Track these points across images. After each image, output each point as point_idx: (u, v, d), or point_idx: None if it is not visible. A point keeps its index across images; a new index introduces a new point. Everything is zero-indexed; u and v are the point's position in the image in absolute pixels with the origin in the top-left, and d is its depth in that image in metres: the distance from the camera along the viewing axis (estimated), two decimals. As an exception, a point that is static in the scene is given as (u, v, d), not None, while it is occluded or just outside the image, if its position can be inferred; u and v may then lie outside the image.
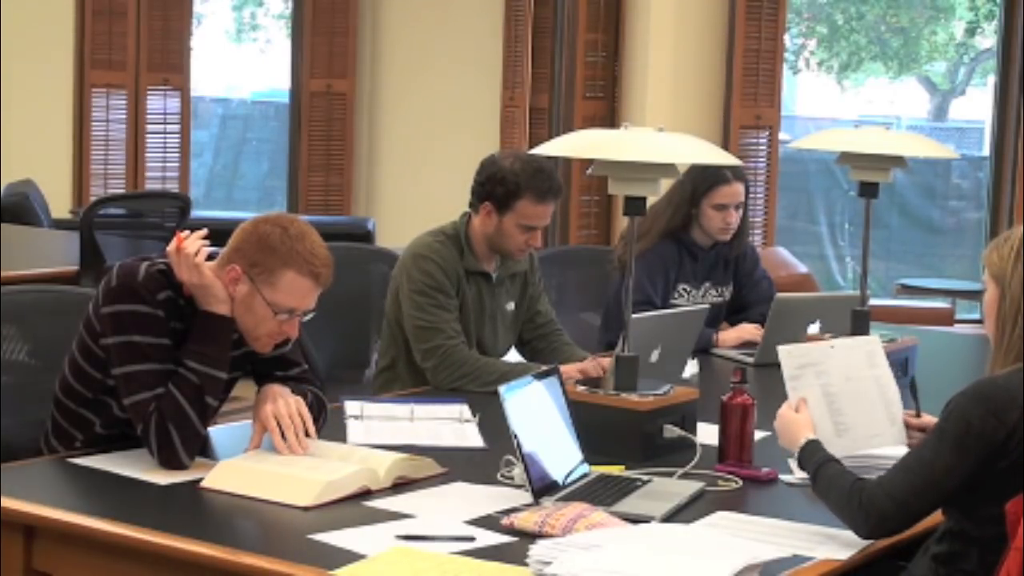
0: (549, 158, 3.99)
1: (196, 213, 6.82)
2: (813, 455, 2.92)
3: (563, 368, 3.98)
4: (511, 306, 4.31)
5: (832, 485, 2.84)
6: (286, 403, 3.21)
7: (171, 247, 3.17)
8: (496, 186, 4.11)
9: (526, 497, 2.94)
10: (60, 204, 8.28)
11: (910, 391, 3.20)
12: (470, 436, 3.52)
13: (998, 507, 2.58)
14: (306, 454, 3.13)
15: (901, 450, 2.99)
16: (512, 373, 3.96)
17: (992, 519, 2.64)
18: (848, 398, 3.12)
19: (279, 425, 3.17)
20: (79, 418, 3.25)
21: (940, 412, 2.79)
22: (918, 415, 3.17)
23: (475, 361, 4.05)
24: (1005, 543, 2.54)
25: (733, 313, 5.02)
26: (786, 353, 3.13)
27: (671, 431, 3.41)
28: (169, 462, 3.09)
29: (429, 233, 4.21)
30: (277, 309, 3.16)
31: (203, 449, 3.19)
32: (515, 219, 4.11)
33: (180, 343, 3.17)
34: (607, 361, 3.77)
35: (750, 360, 4.60)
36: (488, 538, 2.72)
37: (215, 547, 2.62)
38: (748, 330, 4.80)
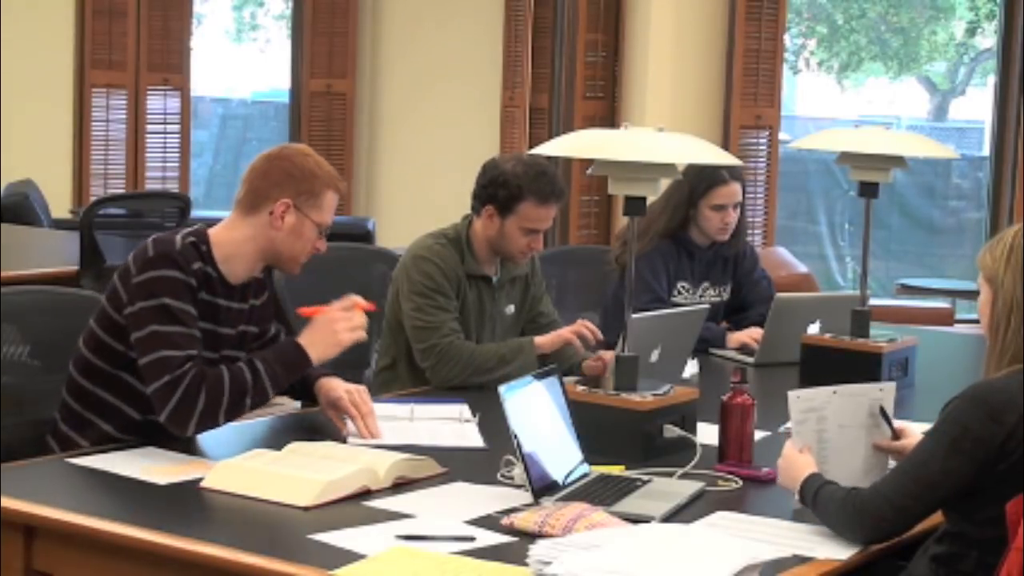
0: (549, 158, 3.99)
1: (196, 213, 6.82)
2: (813, 484, 2.88)
3: (560, 333, 4.08)
4: (511, 309, 4.31)
5: (829, 500, 2.81)
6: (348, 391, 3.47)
7: (345, 305, 3.37)
8: (498, 189, 4.11)
9: (526, 497, 2.94)
10: (60, 204, 8.28)
11: (881, 415, 3.17)
12: (470, 436, 3.52)
13: (998, 510, 2.57)
14: (305, 454, 3.14)
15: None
16: (509, 353, 4.03)
17: (992, 521, 2.63)
18: (836, 446, 3.10)
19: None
20: (96, 400, 3.28)
21: (938, 414, 2.79)
22: (895, 438, 3.13)
23: (470, 352, 4.06)
24: (1004, 545, 2.54)
25: (733, 313, 5.02)
26: (795, 398, 3.10)
27: (671, 431, 3.41)
28: (175, 421, 3.15)
29: (430, 235, 4.21)
30: (322, 228, 3.37)
31: (203, 449, 3.20)
32: (517, 222, 4.11)
33: (204, 315, 3.26)
34: (609, 355, 3.78)
35: (750, 360, 4.61)
36: (488, 538, 2.72)
37: (215, 547, 2.62)
38: (759, 333, 4.75)
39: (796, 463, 2.98)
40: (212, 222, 3.40)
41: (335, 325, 3.35)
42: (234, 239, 3.33)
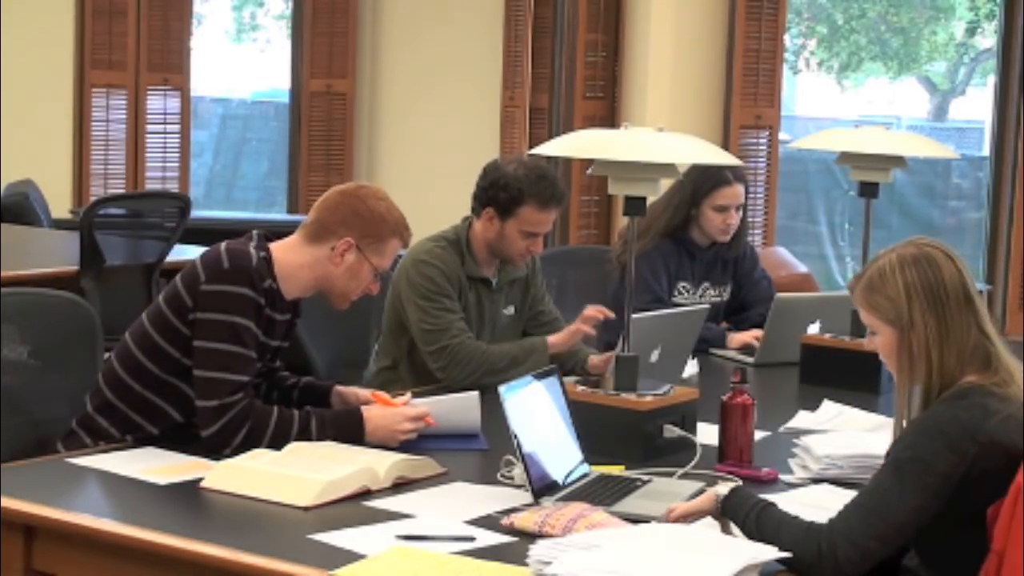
0: (549, 158, 3.99)
1: (196, 213, 6.81)
2: (745, 501, 2.71)
3: (570, 329, 4.14)
4: (510, 311, 4.31)
5: (782, 527, 2.64)
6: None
7: (419, 413, 3.41)
8: (499, 192, 4.10)
9: (526, 497, 2.94)
10: (60, 204, 8.27)
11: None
12: (467, 398, 3.54)
13: (956, 547, 2.57)
14: (305, 455, 3.14)
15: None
16: (521, 353, 4.06)
17: (954, 556, 2.62)
18: None
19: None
20: (143, 402, 3.30)
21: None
22: None
23: (482, 353, 4.06)
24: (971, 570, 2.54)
25: (733, 313, 5.02)
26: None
27: (671, 431, 3.41)
28: (214, 442, 3.20)
29: (430, 238, 4.20)
30: (381, 273, 3.43)
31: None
32: (517, 225, 4.11)
33: (267, 330, 3.33)
34: (607, 357, 3.77)
35: (750, 360, 4.61)
36: (488, 538, 2.72)
37: (215, 547, 2.62)
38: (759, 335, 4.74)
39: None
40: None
41: (402, 426, 3.37)
42: (291, 262, 3.38)
